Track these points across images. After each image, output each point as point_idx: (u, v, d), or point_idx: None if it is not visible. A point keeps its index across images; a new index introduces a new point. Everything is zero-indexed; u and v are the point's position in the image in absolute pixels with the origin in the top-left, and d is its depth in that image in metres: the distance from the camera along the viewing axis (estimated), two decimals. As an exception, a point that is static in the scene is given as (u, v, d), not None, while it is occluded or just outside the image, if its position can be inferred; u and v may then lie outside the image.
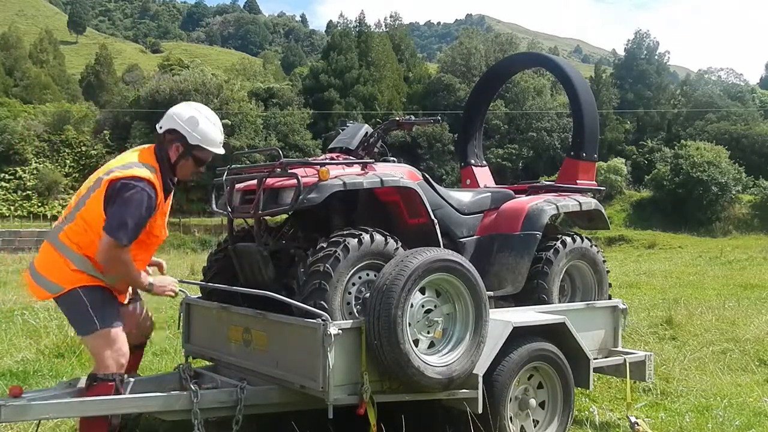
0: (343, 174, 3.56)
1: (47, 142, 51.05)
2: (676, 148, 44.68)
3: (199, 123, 3.33)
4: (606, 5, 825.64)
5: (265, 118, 51.55)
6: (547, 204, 4.36)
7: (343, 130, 4.24)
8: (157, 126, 3.37)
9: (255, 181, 3.72)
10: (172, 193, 3.51)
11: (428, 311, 3.45)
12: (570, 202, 4.52)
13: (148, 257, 3.55)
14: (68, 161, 50.79)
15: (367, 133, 4.05)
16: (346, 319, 3.36)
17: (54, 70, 71.79)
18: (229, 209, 3.84)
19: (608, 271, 4.71)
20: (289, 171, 3.51)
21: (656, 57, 62.64)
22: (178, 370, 3.64)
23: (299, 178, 3.41)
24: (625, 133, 55.65)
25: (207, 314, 4.09)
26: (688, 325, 7.74)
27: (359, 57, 57.18)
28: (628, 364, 4.28)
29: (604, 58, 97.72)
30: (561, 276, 4.34)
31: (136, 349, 3.69)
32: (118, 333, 3.26)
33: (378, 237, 3.49)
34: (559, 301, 4.35)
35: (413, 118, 4.25)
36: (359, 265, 3.45)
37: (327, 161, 3.69)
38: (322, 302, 3.28)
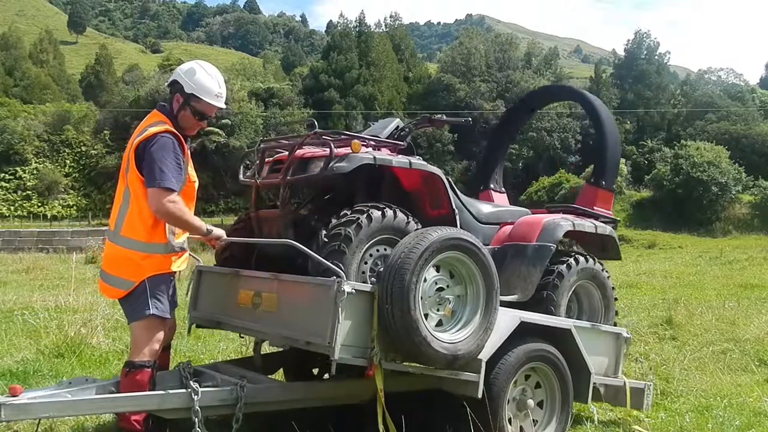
0: (374, 152, 3.71)
1: (47, 142, 51.04)
2: (676, 148, 44.68)
3: (196, 73, 3.51)
4: (606, 5, 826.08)
5: (265, 118, 51.57)
6: (563, 220, 4.45)
7: (373, 124, 4.41)
8: (165, 84, 3.63)
9: (285, 153, 3.84)
10: (188, 146, 3.63)
11: (440, 289, 3.49)
12: (586, 223, 4.59)
13: (191, 206, 3.67)
14: (68, 161, 50.79)
15: (398, 126, 4.15)
16: None
17: (54, 70, 71.82)
18: (257, 176, 3.93)
19: (616, 299, 4.76)
20: (323, 138, 3.66)
21: (656, 57, 62.64)
22: (178, 368, 3.65)
23: (332, 145, 3.52)
24: (625, 133, 55.62)
25: (218, 280, 4.10)
26: (688, 325, 7.75)
27: (359, 57, 57.18)
28: (628, 389, 4.27)
29: (604, 58, 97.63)
30: (570, 292, 4.37)
31: (165, 350, 3.74)
32: (162, 324, 3.45)
33: (400, 215, 3.59)
34: None
35: (444, 117, 4.32)
36: (378, 238, 3.52)
37: (359, 136, 3.83)
38: (339, 264, 3.33)
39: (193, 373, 3.64)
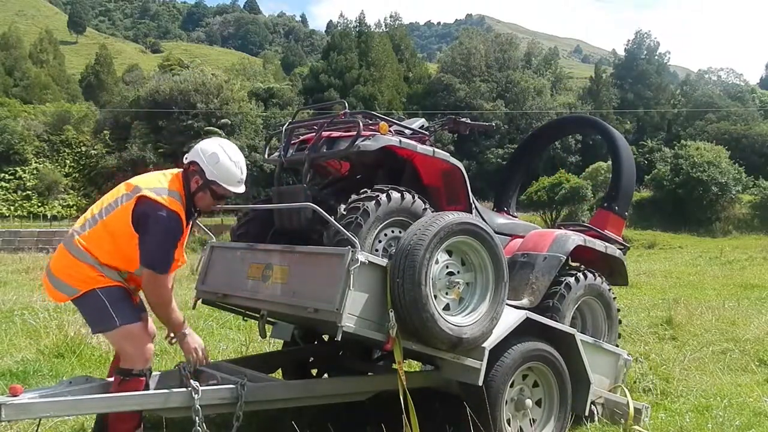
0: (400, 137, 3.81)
1: (47, 142, 51.05)
2: (676, 148, 44.67)
3: (219, 160, 3.39)
4: (606, 5, 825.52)
5: (265, 118, 51.58)
6: (575, 234, 4.52)
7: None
8: (184, 157, 3.47)
9: (311, 134, 3.94)
10: (192, 222, 3.54)
11: (450, 273, 3.54)
12: (597, 242, 4.65)
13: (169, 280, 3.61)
14: (68, 161, 50.80)
15: (423, 125, 4.22)
16: None
17: (54, 70, 71.81)
18: (283, 154, 3.99)
19: (620, 321, 4.80)
20: (352, 118, 3.77)
21: (656, 57, 62.68)
22: (179, 368, 3.64)
23: (360, 123, 3.62)
24: (625, 133, 55.63)
25: (229, 255, 4.11)
26: (688, 325, 7.74)
27: (359, 57, 57.21)
28: (631, 407, 4.25)
29: (604, 58, 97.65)
30: (576, 305, 4.40)
31: None
32: (138, 328, 3.34)
33: (418, 200, 3.66)
34: None
35: (469, 120, 4.38)
36: (394, 219, 3.59)
37: (388, 119, 3.90)
38: (355, 235, 3.37)
39: (193, 372, 3.63)
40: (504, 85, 57.33)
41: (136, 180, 3.42)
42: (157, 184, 3.35)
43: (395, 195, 3.57)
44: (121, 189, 3.41)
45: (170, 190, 3.34)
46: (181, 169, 3.49)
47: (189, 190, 3.42)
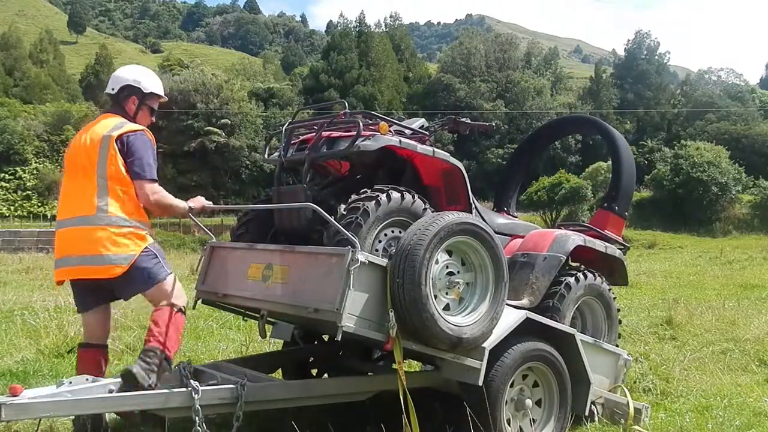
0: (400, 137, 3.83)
1: (47, 142, 51.05)
2: (676, 148, 44.69)
3: (144, 74, 3.71)
4: (606, 5, 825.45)
5: (265, 118, 51.59)
6: (575, 234, 4.52)
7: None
8: (108, 90, 3.68)
9: (311, 134, 3.96)
10: None
11: (450, 273, 3.54)
12: (597, 242, 4.65)
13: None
14: (68, 161, 50.82)
15: (423, 125, 4.22)
16: None
17: (54, 70, 71.79)
18: (283, 154, 4.01)
19: (620, 321, 4.80)
20: (352, 118, 3.79)
21: (656, 57, 62.72)
22: (178, 368, 3.64)
23: (360, 123, 3.63)
24: (625, 133, 55.65)
25: (230, 255, 4.12)
26: (688, 325, 7.75)
27: (359, 57, 57.24)
28: (631, 407, 4.25)
29: (604, 58, 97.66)
30: (576, 305, 4.40)
31: (105, 349, 3.76)
32: (174, 277, 3.58)
33: (418, 200, 3.67)
34: None
35: (469, 120, 4.39)
36: (394, 219, 3.59)
37: (388, 119, 3.90)
38: (355, 235, 3.38)
39: (193, 373, 3.63)
40: (504, 85, 57.37)
41: (93, 132, 3.52)
42: (110, 124, 3.53)
43: (395, 195, 3.58)
44: (89, 151, 3.47)
45: (123, 122, 3.54)
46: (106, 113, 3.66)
47: (129, 116, 3.62)
